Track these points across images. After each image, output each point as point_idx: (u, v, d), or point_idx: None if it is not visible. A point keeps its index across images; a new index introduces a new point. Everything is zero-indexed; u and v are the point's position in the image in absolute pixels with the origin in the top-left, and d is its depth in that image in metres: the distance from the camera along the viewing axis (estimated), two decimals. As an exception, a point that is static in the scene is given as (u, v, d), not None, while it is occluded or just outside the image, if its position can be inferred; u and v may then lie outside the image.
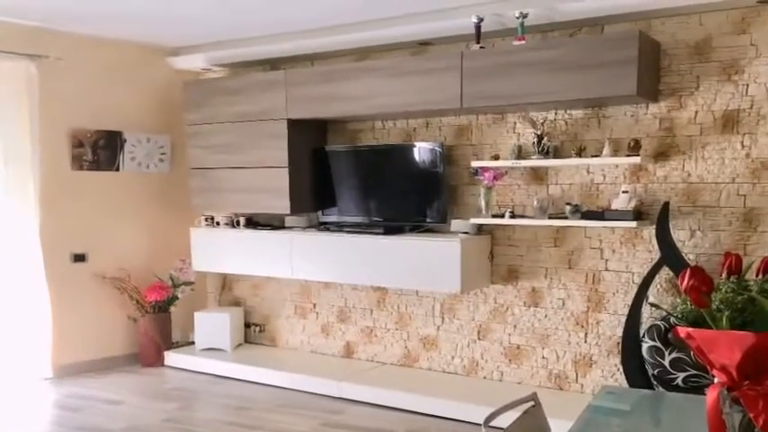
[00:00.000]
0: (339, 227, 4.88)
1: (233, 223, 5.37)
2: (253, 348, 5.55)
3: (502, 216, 4.24)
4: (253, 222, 5.35)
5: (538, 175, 4.31)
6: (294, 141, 4.88)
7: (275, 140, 4.87)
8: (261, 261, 5.06)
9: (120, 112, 5.36)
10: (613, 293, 4.10)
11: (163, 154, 5.59)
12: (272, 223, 5.25)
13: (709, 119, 3.79)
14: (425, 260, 4.35)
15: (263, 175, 4.94)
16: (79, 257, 5.18)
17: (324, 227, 4.99)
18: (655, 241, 3.83)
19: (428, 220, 4.61)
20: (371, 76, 4.47)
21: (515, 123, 4.38)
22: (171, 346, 5.51)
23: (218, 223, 5.41)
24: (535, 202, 4.17)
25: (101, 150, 5.24)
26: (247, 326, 5.67)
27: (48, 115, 4.92)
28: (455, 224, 4.45)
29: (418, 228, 4.63)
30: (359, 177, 4.96)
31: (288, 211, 4.91)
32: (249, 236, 5.18)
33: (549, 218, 4.12)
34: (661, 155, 3.92)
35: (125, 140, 5.34)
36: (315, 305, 5.31)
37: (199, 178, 5.28)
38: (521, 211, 4.34)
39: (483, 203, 4.30)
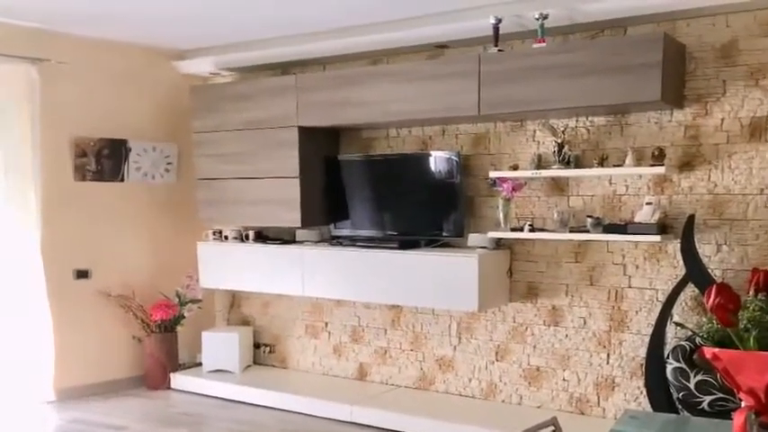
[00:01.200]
0: (352, 241, 5.23)
1: (242, 237, 5.74)
2: (262, 370, 5.92)
3: (521, 229, 4.53)
4: (262, 236, 5.73)
5: (558, 186, 4.61)
6: (305, 150, 5.24)
7: (286, 149, 5.23)
8: (271, 277, 5.42)
9: (124, 120, 5.74)
10: (636, 312, 4.37)
11: (169, 164, 6.00)
12: (282, 237, 5.63)
13: (735, 126, 4.05)
14: (442, 277, 4.66)
15: (272, 185, 5.30)
16: (82, 274, 5.54)
17: (336, 241, 5.34)
18: (679, 256, 4.09)
19: (444, 233, 4.93)
20: (386, 80, 4.81)
21: (535, 131, 4.68)
22: (177, 367, 5.88)
23: (226, 237, 5.79)
24: (555, 215, 4.46)
25: (104, 160, 5.62)
26: (257, 346, 6.05)
27: (49, 122, 5.25)
28: (472, 238, 4.76)
29: (434, 242, 4.96)
30: (372, 188, 5.31)
31: (299, 225, 5.27)
32: (258, 251, 5.55)
33: (570, 231, 4.40)
34: (686, 164, 4.19)
35: (130, 149, 5.73)
36: (327, 324, 5.67)
37: (206, 189, 5.66)
38: (540, 224, 4.64)
39: (501, 216, 4.60)
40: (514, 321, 4.83)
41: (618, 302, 4.44)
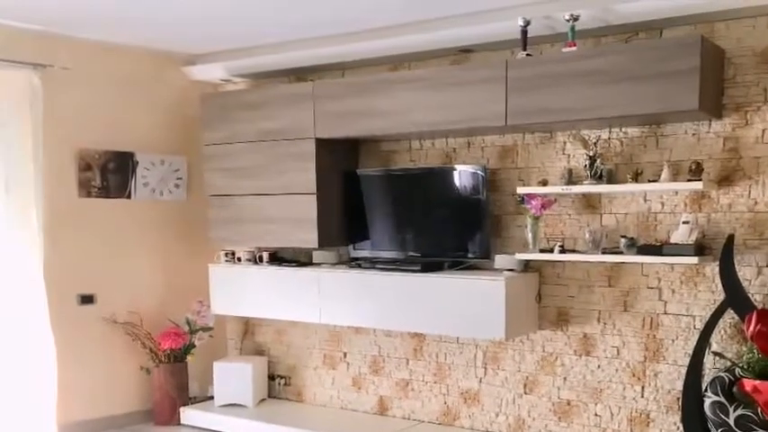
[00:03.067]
0: (372, 263, 5.74)
1: (256, 259, 6.28)
2: (277, 404, 6.48)
3: (551, 251, 4.98)
4: (277, 258, 6.28)
5: (590, 203, 5.06)
6: (323, 163, 5.75)
7: (302, 162, 5.75)
8: (286, 303, 5.93)
9: (131, 130, 6.23)
10: (673, 340, 4.78)
11: (179, 179, 6.57)
12: (298, 259, 6.18)
13: (778, 138, 4.44)
14: (467, 302, 5.11)
15: (287, 202, 5.82)
16: (86, 299, 6.00)
17: (355, 263, 5.86)
18: (718, 280, 4.49)
19: (470, 254, 5.43)
20: (408, 88, 5.28)
21: (565, 143, 5.15)
22: (188, 401, 6.39)
23: (239, 259, 6.34)
24: (587, 235, 4.87)
25: (110, 174, 6.12)
26: (271, 378, 6.61)
27: (52, 132, 5.60)
28: (499, 260, 5.22)
29: (459, 264, 5.44)
30: (393, 205, 5.82)
31: (316, 245, 5.78)
32: (273, 274, 6.08)
33: (603, 253, 4.81)
34: (725, 179, 4.59)
35: (137, 163, 6.25)
36: (345, 354, 6.20)
37: (218, 207, 6.21)
38: (571, 244, 5.09)
39: (530, 236, 5.06)
40: (544, 351, 5.29)
41: (653, 330, 4.86)
